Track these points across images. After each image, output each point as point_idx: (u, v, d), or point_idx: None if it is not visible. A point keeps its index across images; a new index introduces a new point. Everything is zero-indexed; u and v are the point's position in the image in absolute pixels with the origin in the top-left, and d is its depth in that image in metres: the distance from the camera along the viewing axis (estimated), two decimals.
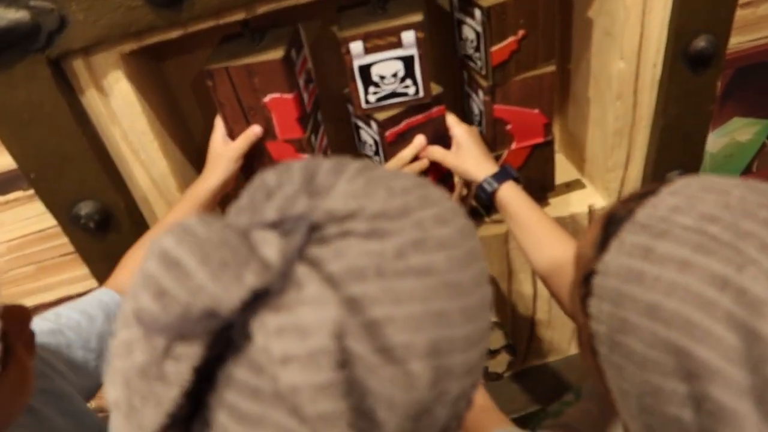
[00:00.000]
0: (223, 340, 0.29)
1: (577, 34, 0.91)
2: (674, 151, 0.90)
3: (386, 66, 0.76)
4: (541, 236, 0.74)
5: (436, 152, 0.82)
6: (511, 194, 0.76)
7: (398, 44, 0.74)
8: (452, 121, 0.81)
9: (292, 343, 0.28)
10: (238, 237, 0.30)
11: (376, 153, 0.86)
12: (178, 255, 0.28)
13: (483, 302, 0.36)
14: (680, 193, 0.42)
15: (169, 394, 0.28)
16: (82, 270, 1.10)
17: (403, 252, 0.31)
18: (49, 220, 1.05)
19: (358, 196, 0.33)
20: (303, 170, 0.35)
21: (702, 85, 0.83)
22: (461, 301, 0.33)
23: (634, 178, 0.96)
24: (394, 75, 0.76)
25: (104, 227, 0.76)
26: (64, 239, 1.07)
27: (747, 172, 1.34)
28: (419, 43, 0.73)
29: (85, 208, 0.74)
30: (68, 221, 0.76)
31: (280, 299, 0.29)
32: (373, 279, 0.30)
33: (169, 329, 0.28)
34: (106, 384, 0.30)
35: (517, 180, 0.78)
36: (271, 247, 0.30)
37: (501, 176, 0.77)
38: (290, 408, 0.29)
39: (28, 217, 1.01)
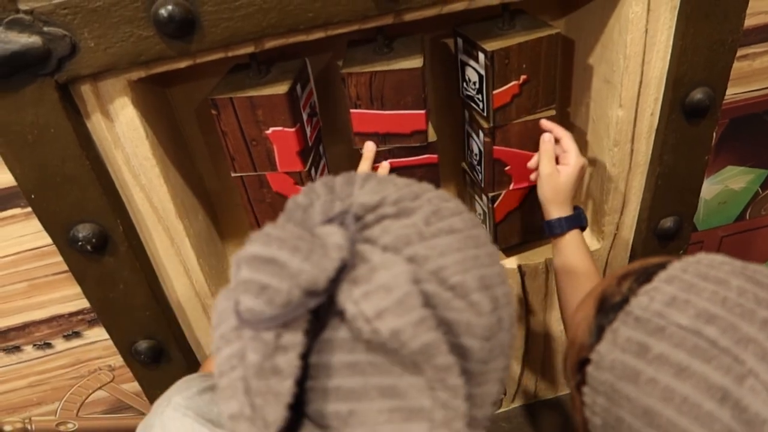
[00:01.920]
0: (315, 328, 0.35)
1: (577, 79, 0.93)
2: (669, 198, 0.92)
3: None
4: (581, 289, 0.74)
5: (544, 164, 0.79)
6: (571, 241, 0.79)
7: None
8: (570, 146, 0.79)
9: (380, 300, 0.32)
10: (307, 233, 0.35)
11: None
12: (270, 253, 0.32)
13: (497, 253, 0.42)
14: (676, 281, 0.41)
15: (285, 385, 0.32)
16: (74, 289, 1.10)
17: (429, 221, 0.38)
18: (44, 239, 1.04)
19: (376, 191, 0.39)
20: (323, 186, 0.41)
21: (698, 136, 0.85)
22: (484, 248, 0.40)
23: (629, 223, 0.97)
24: None
25: (101, 250, 0.76)
26: (59, 258, 1.07)
27: (740, 219, 1.35)
28: None
29: (83, 231, 0.74)
30: (65, 242, 0.75)
31: (355, 273, 0.34)
32: (418, 242, 0.36)
33: (276, 318, 0.32)
34: (220, 403, 0.34)
35: (583, 228, 0.81)
36: (335, 235, 0.35)
37: (571, 222, 0.79)
38: (393, 360, 0.33)
39: (24, 234, 1.02)
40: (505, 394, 1.18)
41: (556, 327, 1.10)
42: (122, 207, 0.77)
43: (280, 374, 0.32)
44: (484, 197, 0.92)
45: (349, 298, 0.33)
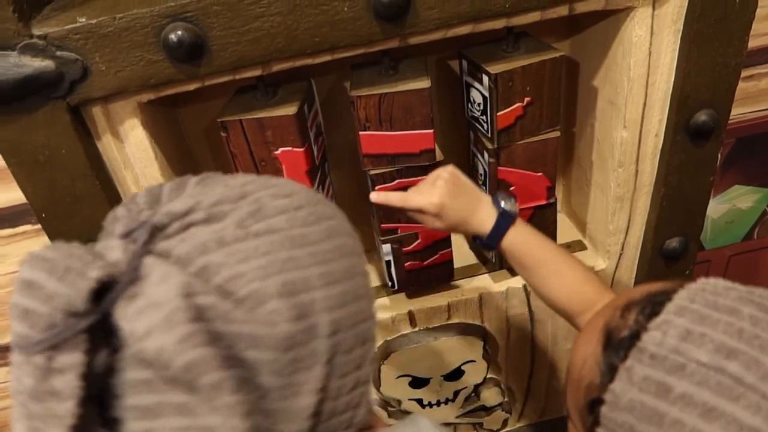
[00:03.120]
0: (107, 349, 0.34)
1: (582, 101, 0.94)
2: (675, 218, 0.92)
3: None
4: (560, 279, 0.70)
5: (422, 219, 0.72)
6: (512, 242, 0.71)
7: None
8: (421, 201, 0.70)
9: (149, 317, 0.32)
10: (84, 250, 0.34)
11: (372, 204, 0.88)
12: (31, 277, 0.32)
13: (339, 251, 0.41)
14: (687, 312, 0.40)
15: (65, 407, 0.31)
16: None
17: (243, 223, 0.37)
18: None
19: (195, 195, 0.38)
20: (147, 195, 0.40)
21: (702, 157, 0.85)
22: (309, 248, 0.38)
23: (634, 243, 0.97)
24: None
25: None
26: None
27: (748, 238, 1.35)
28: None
29: None
30: None
31: (134, 290, 0.33)
32: (216, 249, 0.35)
33: (41, 343, 0.31)
34: (12, 425, 0.33)
35: (514, 219, 0.71)
36: (115, 251, 0.35)
37: (497, 232, 0.70)
38: (171, 378, 0.32)
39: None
40: (510, 414, 1.18)
41: (563, 346, 1.09)
42: None
43: (58, 396, 0.31)
44: None
45: (124, 317, 0.32)
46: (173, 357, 0.31)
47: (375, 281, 1.04)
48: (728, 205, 1.27)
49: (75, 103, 0.66)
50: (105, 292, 0.33)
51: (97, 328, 0.32)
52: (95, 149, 0.72)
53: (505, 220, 0.71)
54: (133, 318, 0.32)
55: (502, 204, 0.71)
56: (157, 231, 0.36)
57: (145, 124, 0.72)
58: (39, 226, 1.00)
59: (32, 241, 1.02)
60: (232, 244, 0.36)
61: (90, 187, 0.71)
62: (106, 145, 0.72)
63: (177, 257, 0.35)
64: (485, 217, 0.71)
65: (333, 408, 0.39)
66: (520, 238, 0.71)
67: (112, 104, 0.69)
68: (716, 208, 1.27)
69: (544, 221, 0.94)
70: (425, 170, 0.83)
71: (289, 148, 0.76)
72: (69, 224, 0.74)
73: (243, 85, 0.82)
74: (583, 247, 1.04)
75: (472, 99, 0.85)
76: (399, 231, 0.89)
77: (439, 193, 0.70)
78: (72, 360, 0.31)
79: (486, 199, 0.73)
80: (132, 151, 0.73)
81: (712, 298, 0.40)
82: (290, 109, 0.74)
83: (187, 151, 0.92)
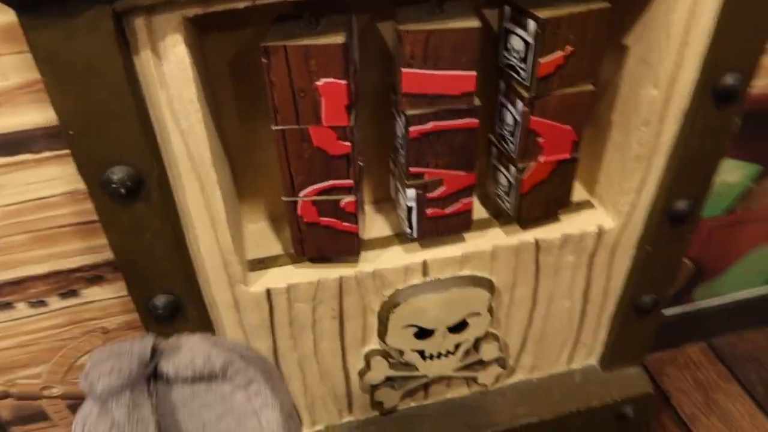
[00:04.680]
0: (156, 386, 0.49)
1: (608, 57, 0.95)
2: (688, 180, 0.95)
3: None
4: None
5: None
6: None
7: None
8: None
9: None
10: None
11: (401, 147, 0.87)
12: (109, 349, 0.50)
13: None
14: None
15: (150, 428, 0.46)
16: (76, 245, 1.06)
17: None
18: (51, 188, 1.00)
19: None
20: None
21: (723, 120, 0.88)
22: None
23: (644, 203, 0.99)
24: None
25: (134, 195, 0.73)
26: (64, 210, 1.03)
27: (730, 212, 1.41)
28: None
29: (118, 173, 0.71)
30: (98, 184, 0.72)
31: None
32: None
33: (123, 386, 0.46)
34: None
35: None
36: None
37: None
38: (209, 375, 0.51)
39: (31, 182, 0.97)
40: (504, 369, 1.20)
41: (561, 303, 1.12)
42: (158, 151, 0.74)
43: (144, 422, 0.45)
44: (512, 168, 0.93)
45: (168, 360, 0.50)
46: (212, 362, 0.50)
47: (390, 231, 1.04)
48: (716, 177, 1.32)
49: (120, 10, 0.62)
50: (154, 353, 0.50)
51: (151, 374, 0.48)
52: (132, 64, 0.67)
53: None
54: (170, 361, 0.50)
55: None
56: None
57: (188, 42, 0.68)
58: (40, 156, 0.94)
59: (30, 172, 0.95)
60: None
61: (124, 104, 0.67)
62: (144, 61, 0.68)
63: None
64: None
65: None
66: None
67: (156, 17, 0.65)
68: None
69: (564, 176, 0.95)
70: (462, 114, 0.82)
71: (332, 80, 0.74)
72: (98, 143, 0.70)
73: (282, 14, 0.79)
74: (591, 206, 1.06)
75: (510, 46, 0.84)
76: (425, 176, 0.88)
77: None
78: (144, 397, 0.46)
79: None
80: (170, 69, 0.69)
81: None
82: (338, 39, 0.72)
83: (207, 84, 0.88)
